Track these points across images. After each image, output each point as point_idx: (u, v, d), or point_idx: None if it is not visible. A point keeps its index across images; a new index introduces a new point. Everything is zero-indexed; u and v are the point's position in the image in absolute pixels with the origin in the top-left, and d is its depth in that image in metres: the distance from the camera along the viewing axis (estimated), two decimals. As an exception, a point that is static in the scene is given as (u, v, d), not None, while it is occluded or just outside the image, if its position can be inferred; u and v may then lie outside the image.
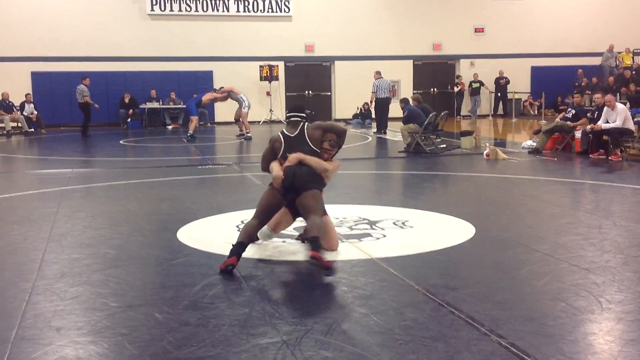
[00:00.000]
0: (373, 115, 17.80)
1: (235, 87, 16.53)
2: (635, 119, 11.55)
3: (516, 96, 22.67)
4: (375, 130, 16.96)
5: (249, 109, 16.20)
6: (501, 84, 22.72)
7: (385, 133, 16.55)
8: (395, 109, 16.62)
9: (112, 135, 18.04)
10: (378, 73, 17.00)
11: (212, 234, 6.06)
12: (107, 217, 6.93)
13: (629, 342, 3.46)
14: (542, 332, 3.60)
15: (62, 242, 5.78)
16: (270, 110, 21.51)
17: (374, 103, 17.06)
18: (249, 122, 16.42)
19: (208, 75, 21.25)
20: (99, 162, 12.08)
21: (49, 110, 19.98)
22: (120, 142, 16.24)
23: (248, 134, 15.97)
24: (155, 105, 20.72)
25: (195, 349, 3.41)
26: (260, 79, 21.35)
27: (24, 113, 18.88)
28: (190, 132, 15.80)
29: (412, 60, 22.92)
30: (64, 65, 20.32)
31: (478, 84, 22.66)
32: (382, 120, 16.77)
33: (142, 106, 20.41)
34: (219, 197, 8.17)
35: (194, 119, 16.10)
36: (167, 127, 20.52)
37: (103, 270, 4.91)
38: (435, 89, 23.51)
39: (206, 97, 16.27)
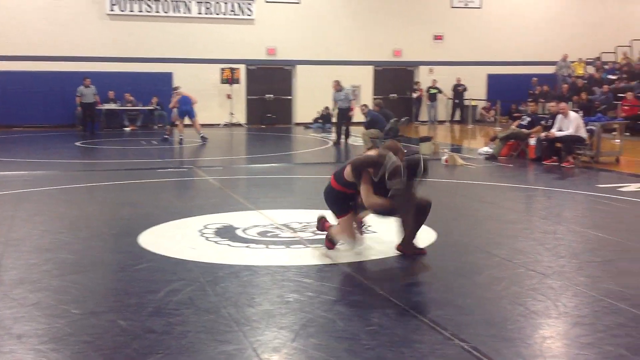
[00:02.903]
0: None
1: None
2: (587, 127, 11.92)
3: (472, 103, 23.10)
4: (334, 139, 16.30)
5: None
6: (459, 91, 23.14)
7: (344, 140, 16.04)
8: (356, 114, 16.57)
9: (68, 136, 17.66)
10: (337, 83, 16.00)
11: (175, 239, 6.02)
12: (66, 221, 6.80)
13: (585, 346, 3.59)
14: (502, 335, 3.71)
15: (20, 247, 5.66)
16: (231, 113, 21.40)
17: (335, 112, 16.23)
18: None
19: (167, 77, 20.96)
20: (56, 164, 11.81)
21: (1, 110, 19.44)
22: (76, 143, 15.92)
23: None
24: (113, 106, 20.37)
25: (161, 357, 3.39)
26: (221, 82, 21.22)
27: (-24, 113, 18.36)
28: (201, 133, 15.92)
29: (372, 66, 23.12)
30: (19, 65, 19.75)
31: (436, 90, 23.02)
32: (341, 130, 16.26)
33: (99, 107, 20.03)
34: (180, 201, 8.11)
35: (195, 121, 16.09)
36: (125, 128, 20.20)
37: (63, 276, 4.83)
38: (395, 95, 23.77)
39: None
